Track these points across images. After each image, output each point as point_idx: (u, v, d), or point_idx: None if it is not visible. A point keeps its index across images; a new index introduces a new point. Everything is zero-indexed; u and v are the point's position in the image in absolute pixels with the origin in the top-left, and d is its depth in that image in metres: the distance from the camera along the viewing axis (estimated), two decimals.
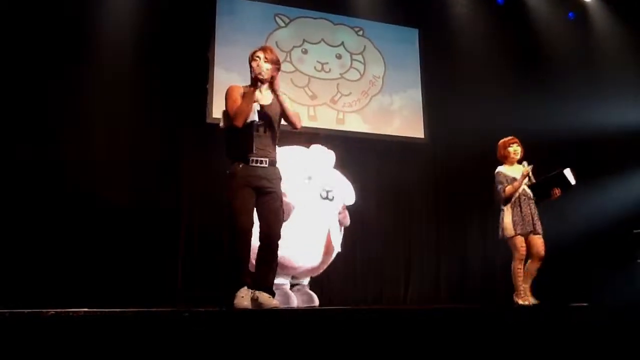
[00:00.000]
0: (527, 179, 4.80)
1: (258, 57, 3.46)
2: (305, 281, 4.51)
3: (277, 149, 3.59)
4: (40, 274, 4.77)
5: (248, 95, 3.34)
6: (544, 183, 4.75)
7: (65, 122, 5.29)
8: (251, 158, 3.36)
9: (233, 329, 2.67)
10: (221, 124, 3.46)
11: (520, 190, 4.77)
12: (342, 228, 4.59)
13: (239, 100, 3.37)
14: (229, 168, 3.41)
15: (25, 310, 2.59)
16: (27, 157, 5.04)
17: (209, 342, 2.58)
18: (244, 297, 3.30)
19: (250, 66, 3.46)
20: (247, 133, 3.37)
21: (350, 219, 4.71)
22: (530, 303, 4.63)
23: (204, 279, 5.49)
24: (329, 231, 4.23)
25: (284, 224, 3.54)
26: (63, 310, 2.73)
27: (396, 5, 6.95)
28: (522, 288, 4.66)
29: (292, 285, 4.42)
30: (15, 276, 4.64)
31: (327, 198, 4.22)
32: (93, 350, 2.40)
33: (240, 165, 3.36)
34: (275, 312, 3.27)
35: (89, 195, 5.19)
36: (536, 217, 4.74)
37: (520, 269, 4.72)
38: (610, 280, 6.16)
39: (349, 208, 4.67)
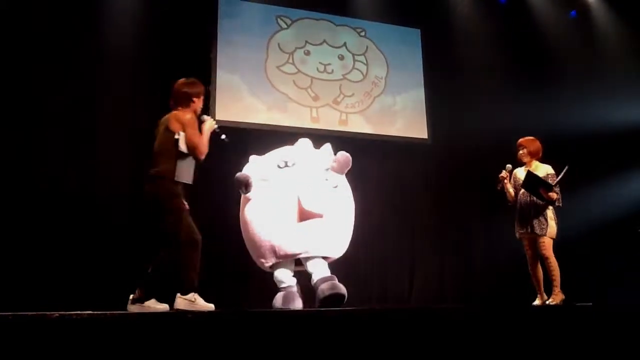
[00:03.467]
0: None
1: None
2: (325, 272, 4.16)
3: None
4: (42, 276, 4.78)
5: (207, 132, 3.66)
6: (530, 182, 4.68)
7: (67, 124, 5.31)
8: (189, 183, 3.61)
9: (236, 331, 2.68)
10: (185, 149, 3.54)
11: (521, 192, 4.77)
12: (338, 184, 4.17)
13: (199, 132, 3.61)
14: (171, 185, 3.51)
15: (30, 313, 2.61)
16: (26, 158, 5.07)
17: (211, 344, 2.59)
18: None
19: (198, 103, 3.77)
20: (196, 164, 3.64)
21: (354, 219, 4.52)
22: (539, 304, 4.67)
23: (205, 281, 5.49)
24: (298, 198, 3.92)
25: (255, 209, 3.89)
26: (67, 312, 2.75)
27: (398, 5, 6.95)
28: (537, 289, 4.74)
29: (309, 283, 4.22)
30: (18, 279, 4.66)
31: (286, 166, 4.05)
32: (97, 352, 2.41)
33: (183, 187, 3.56)
34: (278, 314, 3.28)
35: (89, 197, 5.21)
36: (537, 219, 4.66)
37: (531, 270, 4.77)
38: (614, 280, 6.15)
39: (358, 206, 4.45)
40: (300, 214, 3.91)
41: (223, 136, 3.80)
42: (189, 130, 3.53)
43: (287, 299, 3.99)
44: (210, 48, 6.12)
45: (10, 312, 2.66)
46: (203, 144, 3.59)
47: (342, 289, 3.93)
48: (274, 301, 4.02)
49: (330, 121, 6.47)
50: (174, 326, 2.63)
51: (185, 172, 3.57)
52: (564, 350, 3.17)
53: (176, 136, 3.52)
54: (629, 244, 6.23)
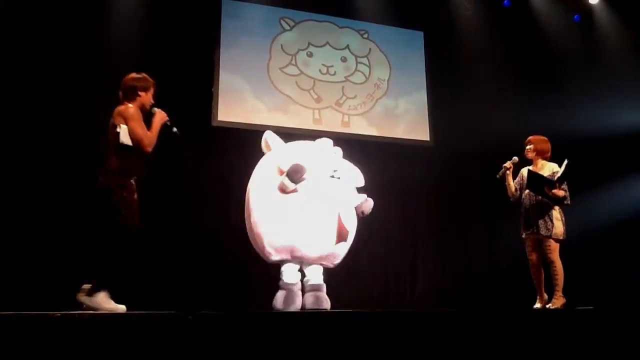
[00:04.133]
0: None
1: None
2: (317, 280, 4.17)
3: (284, 144, 4.08)
4: (43, 276, 4.79)
5: (157, 125, 3.68)
6: (533, 181, 4.68)
7: (69, 124, 5.32)
8: (140, 178, 3.63)
9: (236, 332, 2.69)
10: (127, 142, 3.54)
11: (526, 192, 4.78)
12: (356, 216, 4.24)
13: (144, 124, 3.62)
14: (123, 184, 3.53)
15: (32, 312, 2.62)
16: (27, 161, 5.08)
17: (212, 345, 2.59)
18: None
19: (145, 97, 3.74)
20: (144, 156, 3.64)
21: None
22: (539, 307, 4.67)
23: (208, 283, 5.51)
24: (339, 214, 3.96)
25: (294, 209, 3.80)
26: (69, 312, 2.76)
27: (401, 8, 6.96)
28: (537, 292, 4.75)
29: (304, 286, 4.24)
30: (19, 279, 4.68)
31: (333, 177, 3.99)
32: (99, 352, 2.42)
33: (133, 182, 3.59)
34: (280, 315, 3.28)
35: (90, 196, 5.19)
36: (542, 219, 4.65)
37: (532, 272, 4.77)
38: (618, 283, 6.15)
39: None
40: (337, 230, 3.96)
41: (174, 129, 3.82)
42: (131, 124, 3.55)
43: (288, 299, 3.99)
44: (213, 49, 6.13)
45: (12, 311, 2.67)
46: (148, 136, 3.60)
47: (326, 303, 4.02)
48: (275, 301, 3.99)
49: (332, 123, 6.48)
50: (175, 327, 2.64)
51: (132, 165, 3.59)
52: (564, 354, 3.16)
53: (117, 129, 3.53)
54: (634, 247, 6.24)
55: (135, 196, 3.60)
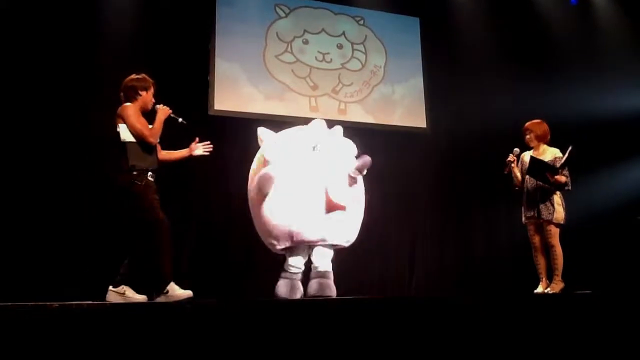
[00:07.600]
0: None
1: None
2: (323, 266, 4.01)
3: (273, 135, 4.08)
4: (46, 268, 4.80)
5: (161, 119, 3.77)
6: (534, 167, 4.67)
7: (64, 116, 5.29)
8: (154, 170, 3.69)
9: (236, 321, 2.69)
10: (129, 139, 3.62)
11: (528, 176, 4.77)
12: (355, 180, 3.99)
13: (143, 119, 3.69)
14: (136, 178, 3.56)
15: (31, 303, 2.62)
16: (29, 154, 5.06)
17: (210, 334, 2.60)
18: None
19: (146, 96, 3.80)
20: (154, 148, 3.75)
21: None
22: (541, 291, 4.68)
23: (209, 273, 5.51)
24: (326, 189, 3.80)
25: (279, 191, 3.79)
26: (67, 303, 2.75)
27: None
28: (540, 276, 4.74)
29: (309, 271, 4.07)
30: (23, 271, 4.69)
31: (315, 149, 3.88)
32: (97, 342, 2.42)
33: (151, 178, 3.65)
34: (280, 303, 3.29)
35: (90, 190, 5.20)
36: (543, 204, 4.67)
37: (535, 256, 4.79)
38: (614, 267, 6.18)
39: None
40: (326, 204, 3.85)
41: (180, 119, 3.96)
42: (129, 120, 3.62)
43: (290, 287, 3.97)
44: (208, 38, 6.08)
45: (11, 302, 2.67)
46: (149, 128, 3.67)
47: (329, 291, 3.93)
48: (277, 289, 3.98)
49: (329, 110, 6.45)
50: (177, 316, 2.64)
51: (143, 159, 3.64)
52: (563, 338, 3.18)
53: (117, 129, 3.63)
54: (629, 232, 6.25)
55: (154, 190, 3.64)
